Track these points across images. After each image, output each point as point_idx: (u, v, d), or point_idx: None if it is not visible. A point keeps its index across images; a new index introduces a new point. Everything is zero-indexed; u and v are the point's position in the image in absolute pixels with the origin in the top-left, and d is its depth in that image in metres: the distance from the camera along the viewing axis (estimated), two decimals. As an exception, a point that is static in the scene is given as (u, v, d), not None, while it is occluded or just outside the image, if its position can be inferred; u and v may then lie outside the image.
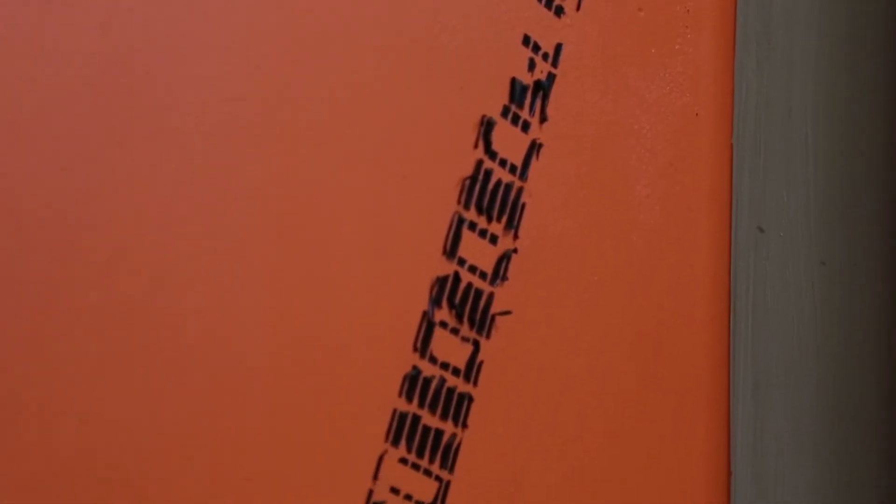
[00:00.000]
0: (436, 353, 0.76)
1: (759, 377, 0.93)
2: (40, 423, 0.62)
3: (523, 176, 0.81)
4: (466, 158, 0.78)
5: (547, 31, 0.82)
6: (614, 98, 0.86)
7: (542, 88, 0.82)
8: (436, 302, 0.76)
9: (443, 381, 0.77)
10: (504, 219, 0.80)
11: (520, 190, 0.80)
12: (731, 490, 0.92)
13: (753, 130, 0.94)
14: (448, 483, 0.77)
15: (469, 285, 0.78)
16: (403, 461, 0.75)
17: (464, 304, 0.78)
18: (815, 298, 0.95)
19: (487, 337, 0.79)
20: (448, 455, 0.77)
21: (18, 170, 0.61)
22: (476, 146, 0.78)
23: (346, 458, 0.72)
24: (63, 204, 0.63)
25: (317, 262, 0.72)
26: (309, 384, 0.71)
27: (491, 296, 0.79)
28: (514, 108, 0.80)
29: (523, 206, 0.81)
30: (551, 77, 0.82)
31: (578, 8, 0.83)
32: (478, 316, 0.78)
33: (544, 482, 0.81)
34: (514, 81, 0.80)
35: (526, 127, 0.81)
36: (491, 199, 0.79)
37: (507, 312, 0.80)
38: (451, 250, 0.77)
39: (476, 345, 0.78)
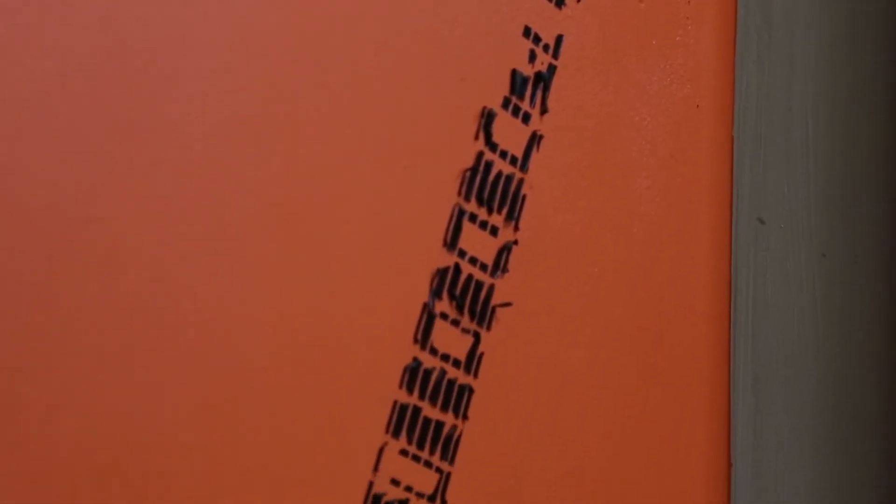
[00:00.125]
0: (436, 345, 0.76)
1: (760, 370, 0.93)
2: (39, 418, 0.61)
3: (524, 168, 0.81)
4: (467, 150, 0.78)
5: (548, 22, 0.82)
6: (615, 90, 0.85)
7: (543, 80, 0.81)
8: (436, 293, 0.76)
9: (443, 372, 0.77)
10: (504, 210, 0.80)
11: (520, 181, 0.80)
12: (732, 483, 0.92)
13: (754, 122, 0.94)
14: (448, 475, 0.77)
15: (469, 277, 0.78)
16: (404, 453, 0.75)
17: (464, 295, 0.78)
18: (816, 291, 0.95)
19: (488, 329, 0.79)
20: (448, 447, 0.77)
21: (18, 164, 0.61)
22: (477, 138, 0.78)
23: (346, 449, 0.72)
24: (62, 198, 0.62)
25: (317, 253, 0.71)
26: (309, 376, 0.71)
27: (491, 287, 0.79)
28: (514, 99, 0.80)
29: (524, 197, 0.81)
30: (552, 68, 0.82)
31: (579, -1, 0.84)
32: (478, 308, 0.78)
33: (545, 474, 0.81)
34: (514, 73, 0.80)
35: (526, 118, 0.81)
36: (491, 190, 0.79)
37: (508, 304, 0.80)
38: (451, 242, 0.77)
39: (476, 336, 0.78)
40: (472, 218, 0.78)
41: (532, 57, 0.81)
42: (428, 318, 0.76)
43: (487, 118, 0.79)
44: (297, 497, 0.70)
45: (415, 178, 0.75)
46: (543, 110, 0.81)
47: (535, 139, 0.81)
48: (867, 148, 0.98)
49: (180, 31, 0.66)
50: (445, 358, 0.77)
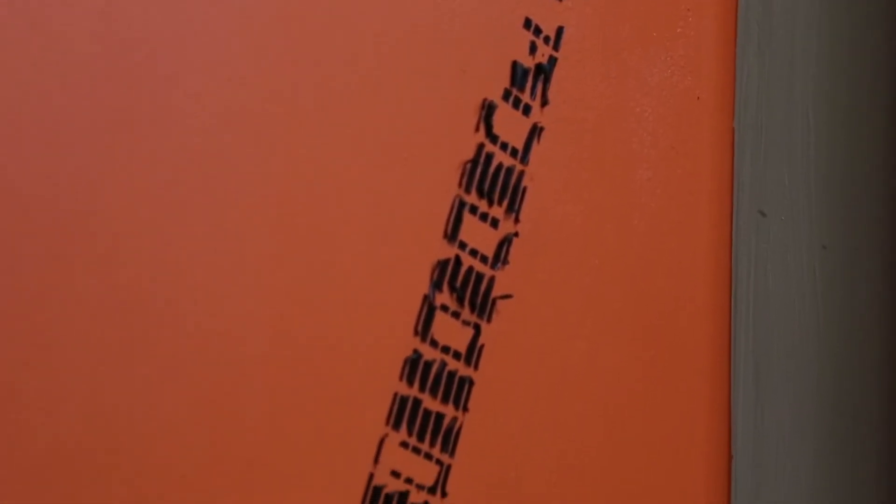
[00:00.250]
0: (437, 337, 0.76)
1: (760, 362, 0.93)
2: (39, 411, 0.62)
3: (524, 159, 0.81)
4: (467, 142, 0.78)
5: (548, 13, 0.82)
6: (616, 81, 0.85)
7: (544, 72, 0.81)
8: (437, 285, 0.76)
9: (443, 364, 0.77)
10: (505, 202, 0.80)
11: (521, 173, 0.80)
12: (732, 475, 0.92)
13: (755, 114, 0.94)
14: (449, 467, 0.77)
15: (470, 269, 0.78)
16: (404, 445, 0.75)
17: (465, 287, 0.78)
18: (817, 282, 0.95)
19: (488, 321, 0.79)
20: (449, 439, 0.77)
21: (17, 157, 0.61)
22: (477, 130, 0.78)
23: (346, 441, 0.72)
24: (61, 191, 0.62)
25: (317, 246, 0.71)
26: (309, 369, 0.71)
27: (492, 279, 0.79)
28: (515, 91, 0.80)
29: (524, 189, 0.80)
30: (552, 60, 0.82)
31: (580, -9, 0.83)
32: (479, 300, 0.78)
33: (545, 465, 0.81)
34: (515, 65, 0.80)
35: (527, 110, 0.81)
36: (492, 182, 0.79)
37: (508, 296, 0.80)
38: (451, 234, 0.77)
39: (477, 328, 0.78)
40: (473, 210, 0.78)
41: (533, 48, 0.81)
42: (428, 310, 0.76)
43: (488, 110, 0.78)
44: (297, 489, 0.70)
45: (415, 170, 0.75)
46: (544, 102, 0.81)
47: (535, 131, 0.81)
48: (868, 139, 0.97)
49: (180, 25, 0.66)
50: (446, 350, 0.77)
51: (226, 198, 0.68)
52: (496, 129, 0.79)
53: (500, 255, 0.80)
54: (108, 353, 0.64)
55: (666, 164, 0.88)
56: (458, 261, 0.77)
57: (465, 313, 0.78)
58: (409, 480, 0.75)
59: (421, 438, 0.75)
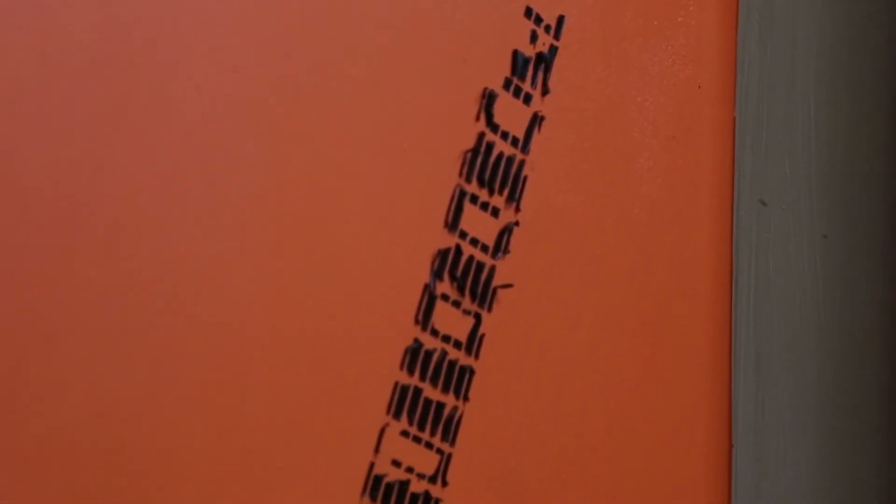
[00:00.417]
0: (437, 326, 0.76)
1: (761, 351, 0.93)
2: (39, 403, 0.62)
3: (525, 149, 0.80)
4: (468, 131, 0.78)
5: (549, 3, 0.81)
6: (616, 71, 0.85)
7: (544, 61, 0.81)
8: (437, 275, 0.76)
9: (444, 353, 0.77)
10: (506, 192, 0.80)
11: (521, 163, 0.80)
12: (733, 465, 0.92)
13: (756, 103, 0.94)
14: (449, 456, 0.77)
15: (470, 258, 0.78)
16: (405, 434, 0.75)
17: (465, 277, 0.78)
18: (817, 272, 0.95)
19: (489, 310, 0.79)
20: (449, 428, 0.77)
21: (17, 143, 0.61)
22: (478, 119, 0.78)
23: (347, 430, 0.72)
24: (62, 181, 0.62)
25: (318, 235, 0.71)
26: (310, 358, 0.71)
27: (492, 269, 0.79)
28: (515, 80, 0.80)
29: (525, 178, 0.80)
30: (553, 49, 0.82)
31: (581, -20, 0.83)
32: (479, 289, 0.78)
33: (546, 454, 0.81)
34: (516, 54, 0.80)
35: (528, 99, 0.81)
36: (493, 171, 0.79)
37: (509, 285, 0.80)
38: (452, 223, 0.77)
39: (477, 318, 0.78)
40: (474, 199, 0.78)
41: (533, 38, 0.81)
42: (429, 300, 0.76)
43: (489, 99, 0.78)
44: (298, 478, 0.70)
45: (416, 159, 0.75)
46: (545, 91, 0.81)
47: (536, 120, 0.81)
48: (869, 129, 0.97)
49: (181, 14, 0.66)
50: (446, 339, 0.77)
51: (226, 188, 0.68)
52: (497, 119, 0.79)
53: (501, 244, 0.79)
54: (109, 344, 0.64)
55: (667, 154, 0.88)
56: (458, 250, 0.77)
57: (466, 302, 0.78)
58: (409, 469, 0.75)
59: (422, 428, 0.75)
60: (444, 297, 0.77)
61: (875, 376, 0.97)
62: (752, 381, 0.93)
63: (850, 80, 0.97)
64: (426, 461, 0.76)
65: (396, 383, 0.74)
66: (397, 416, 0.74)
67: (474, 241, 0.78)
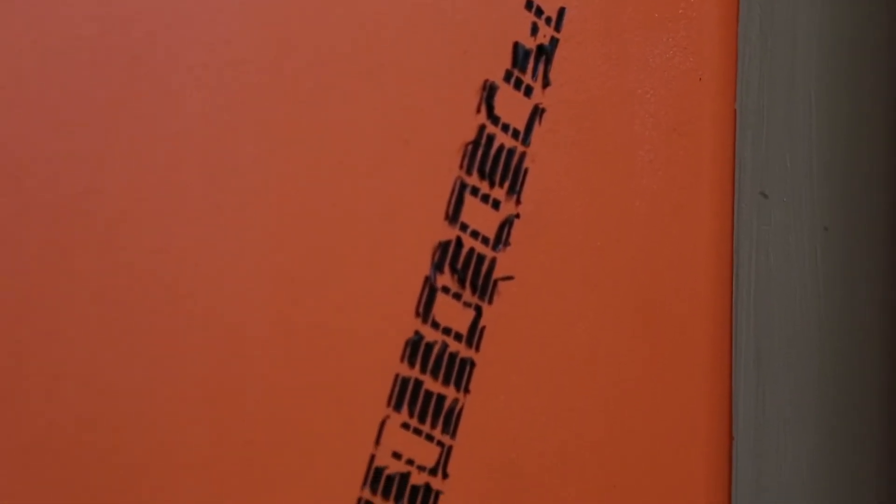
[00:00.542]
0: (438, 319, 0.76)
1: (762, 344, 0.93)
2: (39, 391, 0.61)
3: (526, 141, 0.80)
4: (469, 123, 0.78)
5: (550, -6, 0.82)
6: (617, 62, 0.85)
7: (545, 53, 0.81)
8: (438, 267, 0.76)
9: (445, 346, 0.77)
10: (506, 184, 0.79)
11: (522, 155, 0.80)
12: (733, 460, 0.92)
13: (757, 95, 0.93)
14: (450, 448, 0.77)
15: (471, 250, 0.78)
16: (405, 426, 0.75)
17: (466, 269, 0.78)
18: (818, 265, 0.95)
19: (489, 302, 0.79)
20: (450, 420, 0.77)
21: (18, 133, 0.61)
22: (478, 111, 0.78)
23: (348, 423, 0.72)
24: (61, 171, 0.62)
25: (319, 228, 0.71)
26: (311, 350, 0.71)
27: (493, 261, 0.79)
28: (516, 72, 0.80)
29: (526, 171, 0.80)
30: (554, 41, 0.82)
31: (581, -28, 0.83)
32: (480, 281, 0.78)
33: (546, 446, 0.81)
34: (516, 46, 0.80)
35: (528, 92, 0.80)
36: (493, 164, 0.79)
37: (510, 278, 0.80)
38: (453, 215, 0.77)
39: (478, 310, 0.78)
40: (474, 191, 0.78)
41: (534, 30, 0.81)
42: (429, 292, 0.76)
43: (489, 91, 0.78)
44: (299, 471, 0.70)
45: (416, 151, 0.75)
46: (545, 83, 0.81)
47: (536, 112, 0.81)
48: (870, 122, 0.97)
49: (181, 7, 0.66)
50: (447, 331, 0.77)
51: (225, 181, 0.68)
52: (497, 111, 0.79)
53: (502, 236, 0.79)
54: (108, 338, 0.64)
55: (667, 146, 0.88)
56: (459, 242, 0.77)
57: (467, 295, 0.78)
58: (410, 462, 0.75)
59: (422, 420, 0.75)
60: (445, 290, 0.77)
61: (875, 370, 0.97)
62: (752, 375, 0.93)
63: (851, 73, 0.97)
64: (427, 453, 0.76)
65: (397, 375, 0.74)
66: (398, 408, 0.74)
67: (475, 234, 0.78)
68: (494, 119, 0.79)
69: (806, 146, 0.95)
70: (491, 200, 0.79)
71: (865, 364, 0.97)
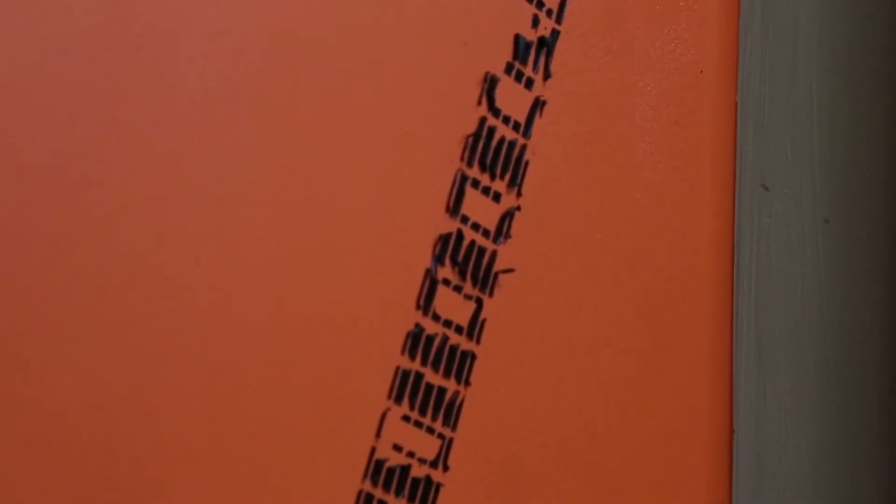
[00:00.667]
0: (439, 311, 0.76)
1: (763, 335, 0.93)
2: (39, 380, 0.61)
3: (527, 133, 0.80)
4: (470, 115, 0.78)
5: (551, -14, 0.81)
6: (618, 55, 0.85)
7: (546, 45, 0.81)
8: (439, 260, 0.76)
9: (445, 338, 0.77)
10: (507, 176, 0.79)
11: (523, 147, 0.80)
12: (734, 451, 0.92)
13: (758, 87, 0.93)
14: (451, 440, 0.77)
15: (472, 243, 0.78)
16: (406, 419, 0.75)
17: (467, 261, 0.78)
18: (819, 257, 0.95)
19: (490, 295, 0.79)
20: (451, 413, 0.77)
21: (20, 124, 0.61)
22: (479, 103, 0.78)
23: (348, 415, 0.72)
24: (64, 159, 0.62)
25: (319, 220, 0.71)
26: (312, 342, 0.71)
27: (494, 253, 0.79)
28: (517, 64, 0.80)
29: (526, 163, 0.80)
30: (555, 34, 0.82)
31: (582, -36, 0.83)
32: (481, 274, 0.78)
33: (547, 440, 0.81)
34: (517, 38, 0.80)
35: (529, 84, 0.80)
36: (494, 156, 0.79)
37: (510, 270, 0.80)
38: (454, 208, 0.77)
39: (479, 302, 0.78)
40: (475, 184, 0.78)
41: (535, 22, 0.81)
42: (430, 285, 0.76)
43: (490, 83, 0.78)
44: (299, 463, 0.70)
45: (417, 143, 0.75)
46: (546, 76, 0.81)
47: (537, 105, 0.81)
48: (871, 114, 0.97)
49: (181, -4, 0.66)
50: (448, 324, 0.77)
51: (225, 173, 0.68)
52: (498, 103, 0.79)
53: (502, 229, 0.79)
54: (108, 331, 0.64)
55: (668, 138, 0.88)
56: (459, 235, 0.77)
57: (467, 287, 0.78)
58: (410, 454, 0.75)
59: (423, 412, 0.75)
60: (446, 282, 0.77)
61: (876, 361, 0.97)
62: (753, 366, 0.93)
63: (852, 65, 0.97)
64: (427, 446, 0.76)
65: (398, 368, 0.74)
66: (398, 400, 0.74)
67: (476, 226, 0.78)
68: (495, 111, 0.79)
69: (807, 138, 0.95)
70: (492, 193, 0.79)
71: (865, 355, 0.97)
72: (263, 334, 0.69)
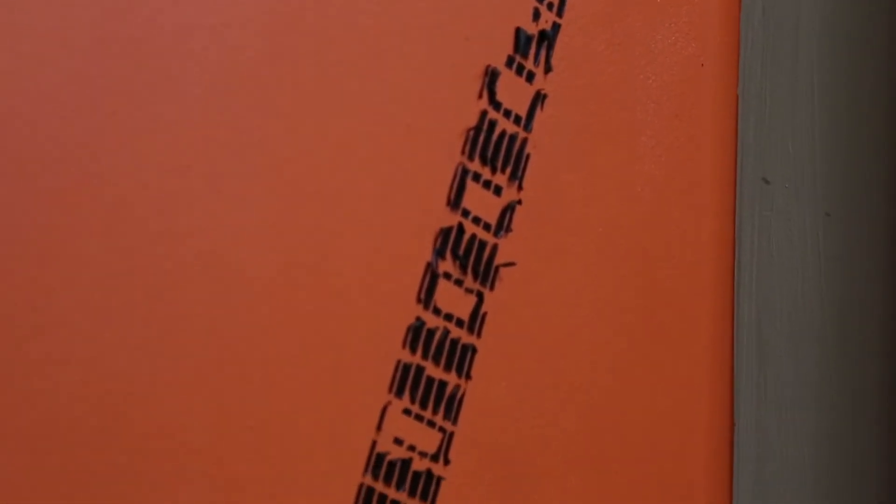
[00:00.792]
0: (439, 305, 0.76)
1: (764, 329, 0.93)
2: (41, 375, 0.62)
3: (528, 127, 0.80)
4: (471, 109, 0.78)
5: (552, -20, 0.81)
6: (619, 48, 0.85)
7: (547, 38, 0.81)
8: (439, 253, 0.76)
9: (446, 332, 0.77)
10: (508, 170, 0.79)
11: (524, 141, 0.80)
12: (734, 443, 0.92)
13: (759, 80, 0.93)
14: (451, 434, 0.77)
15: (473, 237, 0.78)
16: (407, 412, 0.75)
17: (468, 255, 0.78)
18: (820, 250, 0.95)
19: (491, 288, 0.79)
20: (452, 406, 0.77)
21: (20, 117, 0.61)
22: (480, 96, 0.78)
23: (349, 409, 0.72)
24: (65, 153, 0.62)
25: (319, 213, 0.71)
26: (312, 335, 0.71)
27: (495, 247, 0.79)
28: (518, 58, 0.80)
29: (528, 156, 0.80)
30: (556, 27, 0.82)
31: (584, -43, 0.83)
32: (481, 267, 0.78)
33: (547, 433, 0.81)
34: (518, 31, 0.80)
35: (530, 77, 0.80)
36: (495, 149, 0.79)
37: (511, 264, 0.80)
38: (455, 201, 0.77)
39: (480, 296, 0.78)
40: (476, 177, 0.78)
41: (536, 15, 0.80)
42: (431, 278, 0.76)
43: (491, 77, 0.78)
44: (299, 456, 0.70)
45: (418, 137, 0.75)
46: (547, 69, 0.81)
47: (538, 98, 0.81)
48: (872, 108, 0.97)
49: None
50: (448, 318, 0.77)
51: (228, 159, 0.68)
52: (499, 96, 0.79)
53: (503, 222, 0.79)
54: (109, 326, 0.64)
55: (670, 132, 0.88)
56: (460, 228, 0.77)
57: (468, 281, 0.78)
58: (411, 448, 0.75)
59: (424, 406, 0.76)
60: (447, 276, 0.76)
61: (877, 354, 0.97)
62: (754, 360, 0.93)
63: (853, 59, 0.97)
64: (428, 439, 0.76)
65: (398, 362, 0.74)
66: (399, 394, 0.74)
67: (476, 220, 0.78)
68: (496, 105, 0.79)
69: (808, 132, 0.95)
70: (493, 186, 0.79)
71: (866, 349, 0.97)
72: (264, 328, 0.69)
